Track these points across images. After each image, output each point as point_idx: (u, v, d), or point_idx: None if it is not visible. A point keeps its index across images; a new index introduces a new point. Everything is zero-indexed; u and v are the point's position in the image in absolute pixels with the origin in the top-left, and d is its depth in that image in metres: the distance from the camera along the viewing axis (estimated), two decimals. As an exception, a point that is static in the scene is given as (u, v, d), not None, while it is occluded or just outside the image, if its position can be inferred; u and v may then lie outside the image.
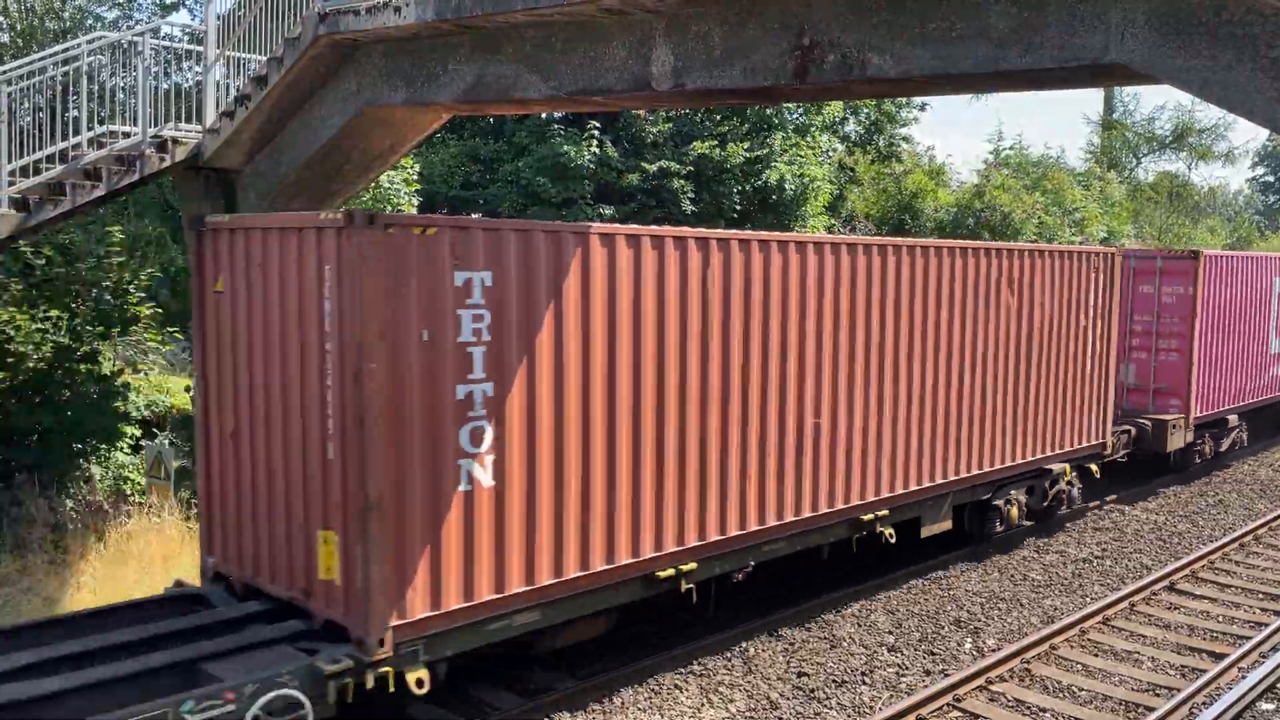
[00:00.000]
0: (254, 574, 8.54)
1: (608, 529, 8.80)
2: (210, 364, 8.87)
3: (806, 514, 10.58)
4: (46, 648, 7.67)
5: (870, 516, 11.27)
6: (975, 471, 12.79)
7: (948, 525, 12.64)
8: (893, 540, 11.74)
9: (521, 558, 8.21)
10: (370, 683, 7.45)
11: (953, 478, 12.42)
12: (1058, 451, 14.34)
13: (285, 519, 8.12)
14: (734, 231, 9.98)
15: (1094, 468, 15.46)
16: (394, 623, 7.50)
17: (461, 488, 7.79)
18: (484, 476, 7.95)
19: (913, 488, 11.82)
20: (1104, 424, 15.33)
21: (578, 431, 8.53)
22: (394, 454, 7.41)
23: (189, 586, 9.05)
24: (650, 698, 9.17)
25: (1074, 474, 14.94)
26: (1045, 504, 14.36)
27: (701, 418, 9.49)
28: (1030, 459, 13.78)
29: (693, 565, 9.50)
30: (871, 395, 11.18)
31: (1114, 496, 17.11)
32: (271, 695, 6.95)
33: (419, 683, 7.67)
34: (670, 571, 9.31)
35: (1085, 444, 14.96)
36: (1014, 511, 13.77)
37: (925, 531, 12.31)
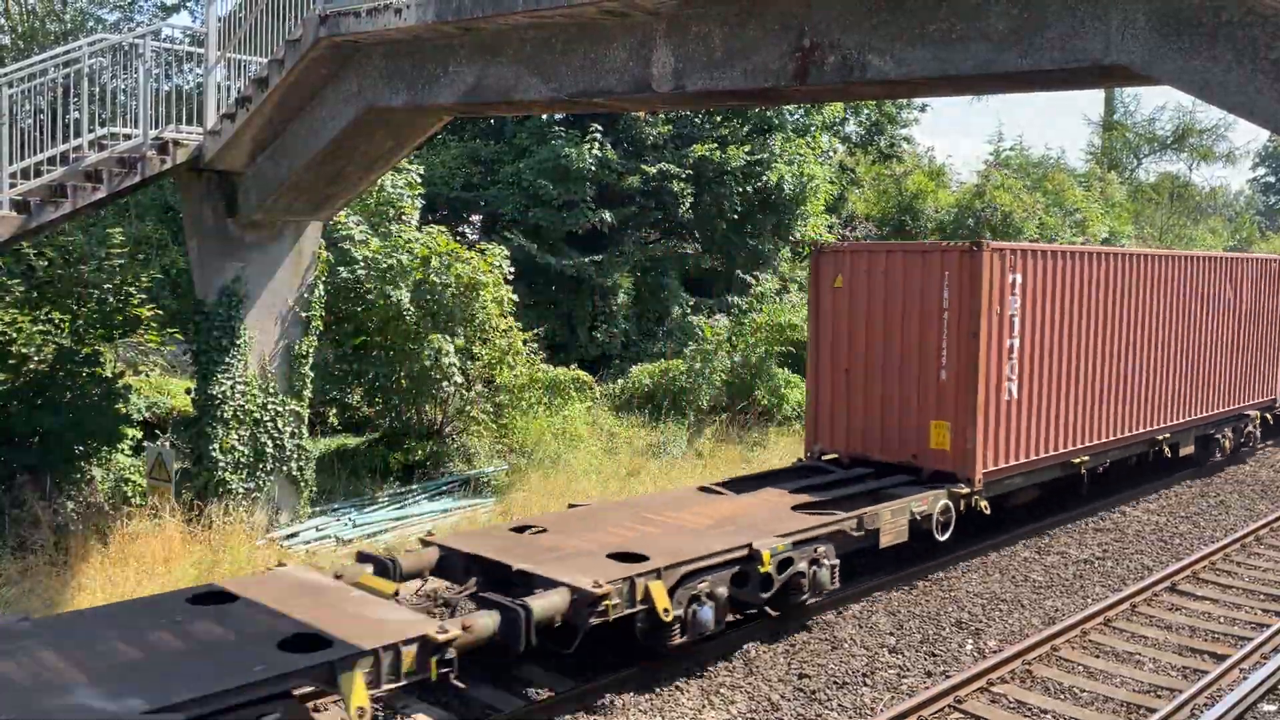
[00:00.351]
0: (861, 450, 13.72)
1: (1055, 429, 14.21)
2: (825, 331, 13.96)
3: (1131, 433, 16.05)
4: (789, 483, 12.59)
5: (1161, 438, 16.86)
6: (1208, 413, 18.42)
7: (1191, 449, 18.15)
8: (1168, 455, 17.32)
9: (1023, 443, 13.62)
10: (973, 503, 12.76)
11: (1197, 416, 18.02)
12: (1250, 402, 20.00)
13: (898, 415, 13.33)
14: (1108, 248, 15.94)
15: (1269, 417, 21.01)
16: (980, 471, 12.87)
17: (1005, 398, 13.22)
18: (1014, 391, 13.36)
19: (1178, 421, 17.35)
20: (1275, 384, 21.04)
21: (1046, 370, 13.94)
22: (983, 376, 12.76)
23: (807, 462, 14.04)
24: (651, 699, 9.16)
25: (1259, 420, 20.32)
26: (1240, 440, 19.74)
27: (1091, 367, 14.88)
28: (1236, 406, 19.44)
29: (1086, 458, 14.99)
30: (1159, 358, 16.63)
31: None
32: (941, 502, 12.27)
33: (987, 507, 12.95)
34: (1076, 460, 14.75)
35: (1264, 399, 20.63)
36: (1226, 444, 19.18)
37: (1182, 452, 17.72)
